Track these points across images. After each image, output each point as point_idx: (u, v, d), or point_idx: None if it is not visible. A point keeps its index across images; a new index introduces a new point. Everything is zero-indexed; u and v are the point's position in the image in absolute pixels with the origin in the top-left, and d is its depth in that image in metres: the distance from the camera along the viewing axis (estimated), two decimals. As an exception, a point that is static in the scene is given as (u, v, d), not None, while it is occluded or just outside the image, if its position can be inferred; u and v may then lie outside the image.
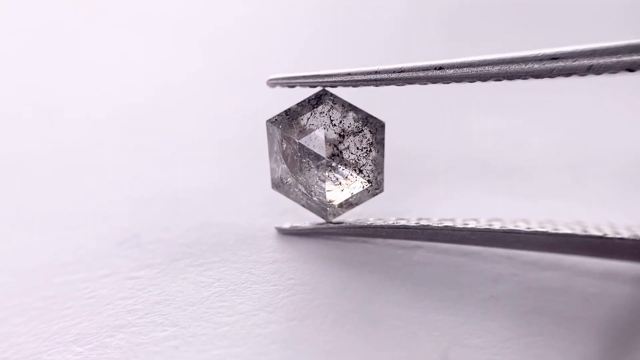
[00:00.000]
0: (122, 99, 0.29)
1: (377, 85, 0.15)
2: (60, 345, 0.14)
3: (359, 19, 0.39)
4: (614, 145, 0.23)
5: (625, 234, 0.15)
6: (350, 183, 0.16)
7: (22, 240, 0.18)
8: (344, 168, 0.16)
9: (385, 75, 0.15)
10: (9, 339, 0.15)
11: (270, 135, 0.16)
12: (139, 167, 0.23)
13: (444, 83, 0.14)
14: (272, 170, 0.17)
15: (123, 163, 0.23)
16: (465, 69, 0.14)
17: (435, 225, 0.16)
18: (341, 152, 0.16)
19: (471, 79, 0.14)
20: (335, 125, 0.16)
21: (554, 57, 0.13)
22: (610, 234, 0.14)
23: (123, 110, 0.28)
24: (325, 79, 0.15)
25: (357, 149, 0.16)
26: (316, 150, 0.16)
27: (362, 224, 0.17)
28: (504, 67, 0.14)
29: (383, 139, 0.16)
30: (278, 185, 0.17)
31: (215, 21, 0.40)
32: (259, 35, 0.37)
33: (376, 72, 0.15)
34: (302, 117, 0.16)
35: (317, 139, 0.16)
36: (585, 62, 0.13)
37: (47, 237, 0.19)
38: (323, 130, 0.16)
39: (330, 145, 0.16)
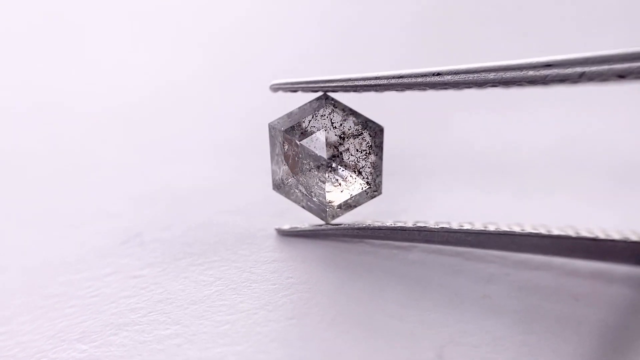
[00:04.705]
0: (124, 98, 0.29)
1: (377, 91, 0.15)
2: (65, 343, 0.15)
3: (360, 26, 0.39)
4: (605, 145, 0.23)
5: (616, 236, 0.15)
6: (350, 184, 0.17)
7: (26, 239, 0.19)
8: (343, 169, 0.16)
9: (385, 80, 0.15)
10: (14, 337, 0.15)
11: (272, 138, 0.17)
12: (141, 166, 0.23)
13: (441, 89, 0.15)
14: (273, 172, 0.17)
15: (125, 162, 0.23)
16: (462, 75, 0.14)
17: (431, 227, 0.16)
18: (341, 154, 0.16)
19: (468, 85, 0.14)
20: (335, 127, 0.16)
21: (547, 65, 0.13)
22: (601, 237, 0.15)
23: (125, 109, 0.28)
24: (327, 84, 0.16)
25: (357, 150, 0.16)
26: (317, 152, 0.16)
27: (361, 226, 0.17)
28: (500, 74, 0.14)
29: (382, 142, 0.16)
30: (279, 186, 0.17)
31: (219, 23, 0.40)
32: (261, 38, 0.38)
33: (376, 78, 0.15)
34: (303, 120, 0.16)
35: (318, 141, 0.16)
36: (578, 69, 0.13)
37: (51, 235, 0.19)
38: (324, 132, 0.16)
39: (330, 147, 0.16)
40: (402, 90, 0.15)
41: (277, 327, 0.15)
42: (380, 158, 0.16)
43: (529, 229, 0.16)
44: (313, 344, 0.14)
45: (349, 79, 0.16)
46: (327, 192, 0.16)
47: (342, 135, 0.16)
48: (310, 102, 0.16)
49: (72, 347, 0.14)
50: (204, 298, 0.16)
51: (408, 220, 0.18)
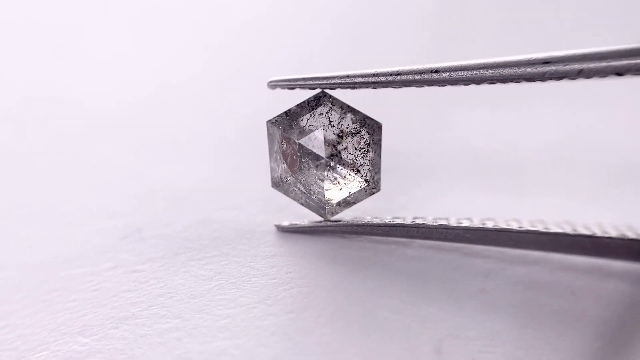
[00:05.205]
0: (124, 96, 0.29)
1: (374, 88, 0.16)
2: (67, 336, 0.15)
3: (358, 23, 0.39)
4: (603, 143, 0.23)
5: (613, 233, 0.15)
6: (348, 182, 0.17)
7: (28, 236, 0.19)
8: (342, 168, 0.16)
9: (383, 77, 0.15)
10: (16, 330, 0.15)
11: (270, 136, 0.17)
12: (141, 164, 0.23)
13: (439, 86, 0.15)
14: (272, 170, 0.17)
15: (126, 160, 0.23)
16: (460, 72, 0.14)
17: (430, 223, 0.16)
18: (340, 153, 0.16)
19: (466, 81, 0.14)
20: (334, 126, 0.16)
21: (546, 61, 0.13)
22: (599, 233, 0.15)
23: (126, 107, 0.28)
24: (325, 81, 0.16)
25: (355, 149, 0.16)
26: (315, 151, 0.16)
27: (360, 222, 0.17)
28: (498, 71, 0.14)
29: (380, 139, 0.16)
30: (278, 184, 0.17)
31: (217, 22, 0.40)
32: (260, 37, 0.38)
33: (374, 75, 0.15)
34: (301, 118, 0.16)
35: (317, 140, 0.16)
36: (576, 66, 0.13)
37: (52, 232, 0.19)
38: (322, 131, 0.16)
39: (329, 145, 0.16)
40: (399, 87, 0.15)
41: (277, 321, 0.15)
42: (379, 155, 0.16)
43: (526, 225, 0.16)
44: (312, 338, 0.14)
45: (347, 76, 0.16)
46: (326, 190, 0.17)
47: (341, 134, 0.16)
48: (308, 99, 0.16)
49: (73, 340, 0.15)
50: (204, 292, 0.16)
51: (407, 217, 0.18)
